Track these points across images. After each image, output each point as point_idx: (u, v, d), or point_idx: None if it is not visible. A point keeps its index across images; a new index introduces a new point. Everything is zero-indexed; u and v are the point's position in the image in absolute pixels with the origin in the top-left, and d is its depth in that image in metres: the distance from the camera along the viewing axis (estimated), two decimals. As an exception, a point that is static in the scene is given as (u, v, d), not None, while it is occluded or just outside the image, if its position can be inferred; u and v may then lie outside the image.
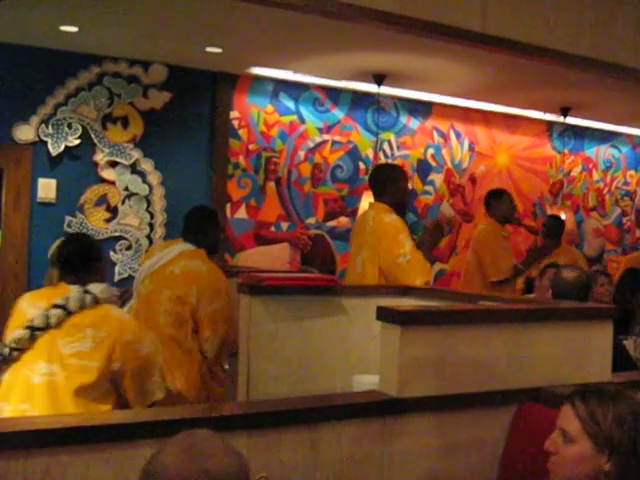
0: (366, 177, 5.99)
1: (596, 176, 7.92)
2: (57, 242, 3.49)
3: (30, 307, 2.75)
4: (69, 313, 2.67)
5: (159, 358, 2.81)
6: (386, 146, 6.51)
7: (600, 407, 1.86)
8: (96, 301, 2.72)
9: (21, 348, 2.65)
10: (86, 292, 2.72)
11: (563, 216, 6.44)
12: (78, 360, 2.62)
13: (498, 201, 5.57)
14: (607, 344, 2.71)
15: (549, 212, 7.14)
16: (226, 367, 3.71)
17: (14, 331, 2.69)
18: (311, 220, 6.20)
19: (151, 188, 5.53)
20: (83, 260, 2.84)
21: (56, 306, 2.67)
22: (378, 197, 4.10)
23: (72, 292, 2.71)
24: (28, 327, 2.65)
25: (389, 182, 4.06)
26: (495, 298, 3.19)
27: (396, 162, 6.48)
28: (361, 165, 6.37)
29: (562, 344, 2.61)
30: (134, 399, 2.72)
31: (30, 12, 4.37)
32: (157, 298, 3.50)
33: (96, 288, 2.75)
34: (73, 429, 1.88)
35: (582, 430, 1.85)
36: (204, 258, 3.59)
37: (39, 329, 2.65)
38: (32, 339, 2.65)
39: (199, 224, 3.69)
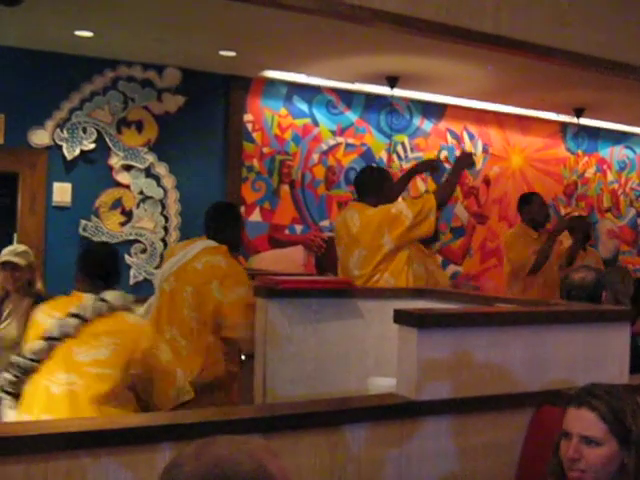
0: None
1: (610, 177, 7.88)
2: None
3: (46, 318, 2.74)
4: (85, 321, 2.66)
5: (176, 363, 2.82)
6: (399, 148, 6.51)
7: (620, 406, 1.86)
8: (112, 309, 2.72)
9: (39, 359, 2.65)
10: (101, 300, 2.71)
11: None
12: (96, 368, 2.61)
13: (528, 205, 5.58)
14: (624, 346, 2.70)
15: (563, 213, 7.11)
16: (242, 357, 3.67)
17: (32, 343, 2.70)
18: (325, 223, 6.20)
19: (166, 191, 5.56)
20: (99, 269, 2.85)
21: (72, 315, 2.67)
22: (363, 197, 4.09)
23: (87, 300, 2.71)
24: (45, 338, 2.65)
25: (378, 184, 4.08)
26: (511, 300, 3.18)
27: (410, 164, 6.49)
28: (375, 167, 6.36)
29: (579, 346, 2.60)
30: (161, 404, 2.71)
31: (45, 17, 4.40)
32: (180, 295, 3.51)
33: (111, 296, 2.74)
34: (93, 432, 1.89)
35: (608, 432, 1.85)
36: (225, 254, 3.57)
37: (56, 339, 2.64)
38: (50, 349, 2.64)
39: (217, 222, 3.68)
